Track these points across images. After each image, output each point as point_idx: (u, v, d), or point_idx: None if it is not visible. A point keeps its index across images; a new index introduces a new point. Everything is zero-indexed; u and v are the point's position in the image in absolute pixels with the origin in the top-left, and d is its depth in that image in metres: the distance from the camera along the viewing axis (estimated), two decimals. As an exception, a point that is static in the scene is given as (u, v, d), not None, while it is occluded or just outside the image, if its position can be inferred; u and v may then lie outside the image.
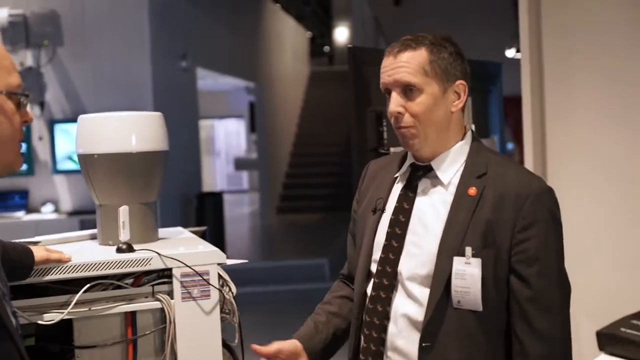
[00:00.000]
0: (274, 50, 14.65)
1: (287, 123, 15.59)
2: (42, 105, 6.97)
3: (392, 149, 2.57)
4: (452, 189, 1.70)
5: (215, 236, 8.77)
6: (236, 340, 2.00)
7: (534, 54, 3.35)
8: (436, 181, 1.73)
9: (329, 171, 14.76)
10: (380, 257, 1.74)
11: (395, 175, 1.81)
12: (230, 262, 1.99)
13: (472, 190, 1.66)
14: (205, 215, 8.66)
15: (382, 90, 1.74)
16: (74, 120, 7.63)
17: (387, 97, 1.73)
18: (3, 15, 6.70)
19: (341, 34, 20.13)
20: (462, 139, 1.74)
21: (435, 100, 1.68)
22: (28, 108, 1.33)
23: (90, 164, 2.05)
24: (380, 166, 1.91)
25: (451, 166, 1.72)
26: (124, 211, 1.95)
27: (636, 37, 3.28)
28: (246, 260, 1.93)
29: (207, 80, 11.87)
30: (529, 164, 3.37)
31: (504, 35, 15.29)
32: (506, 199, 1.63)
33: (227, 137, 20.03)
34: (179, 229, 2.34)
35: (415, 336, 1.67)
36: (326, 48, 21.59)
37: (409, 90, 1.68)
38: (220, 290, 1.94)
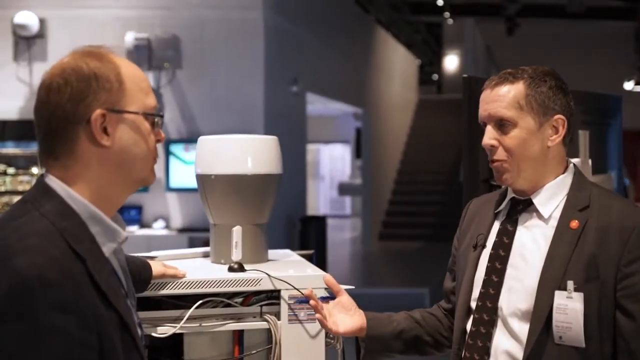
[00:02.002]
0: (383, 77, 14.71)
1: (392, 150, 15.57)
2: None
3: (504, 182, 2.52)
4: (554, 223, 1.67)
5: (318, 260, 8.83)
6: (339, 366, 2.01)
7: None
8: (537, 215, 1.70)
9: (433, 200, 14.60)
10: (480, 292, 1.72)
11: (496, 211, 1.79)
12: (337, 287, 2.00)
13: (574, 224, 1.63)
14: (309, 238, 8.74)
15: (479, 123, 1.74)
16: (188, 140, 7.87)
17: (484, 130, 1.72)
18: (129, 39, 7.08)
19: (451, 63, 19.98)
20: (563, 173, 1.71)
21: (530, 135, 1.66)
22: None
23: (208, 184, 2.12)
24: (481, 203, 1.89)
25: (552, 199, 1.69)
26: (237, 231, 2.01)
27: None
28: (353, 287, 1.94)
29: (316, 105, 12.04)
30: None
31: (620, 68, 14.76)
32: (610, 232, 1.60)
33: (332, 162, 20.21)
34: (287, 251, 2.38)
35: None
36: (434, 76, 21.47)
37: (502, 124, 1.67)
38: (326, 315, 1.95)
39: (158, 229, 7.52)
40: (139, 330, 1.33)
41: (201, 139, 2.17)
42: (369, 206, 13.57)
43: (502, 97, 1.67)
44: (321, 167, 20.08)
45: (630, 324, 1.57)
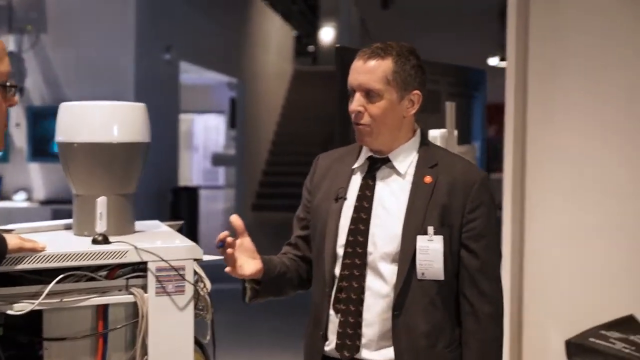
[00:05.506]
0: (259, 47, 14.61)
1: (267, 120, 15.56)
2: (21, 91, 6.88)
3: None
4: (409, 178, 1.95)
5: (189, 231, 8.72)
6: (207, 337, 1.99)
7: (519, 53, 3.41)
8: (394, 171, 1.97)
9: (306, 171, 14.73)
10: (348, 240, 1.94)
11: (353, 167, 2.01)
12: (206, 257, 1.97)
13: (428, 179, 1.93)
14: (180, 209, 8.61)
15: (348, 88, 1.95)
16: (52, 107, 7.51)
17: (351, 95, 1.94)
18: (-14, -2, 6.62)
19: (327, 34, 20.12)
20: (413, 137, 1.99)
21: (392, 106, 1.91)
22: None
23: (70, 153, 2.01)
24: (333, 159, 2.10)
25: (406, 158, 1.97)
26: (101, 202, 1.93)
27: (621, 40, 3.33)
28: (223, 257, 1.91)
29: (191, 74, 11.80)
30: (508, 165, 3.45)
31: (487, 44, 15.41)
32: (457, 186, 1.92)
33: (206, 132, 19.94)
34: (156, 222, 2.32)
35: (386, 307, 1.90)
36: (310, 47, 21.57)
37: (370, 94, 1.91)
38: (195, 286, 1.92)
39: (19, 201, 7.14)
40: None
41: (63, 104, 2.05)
42: (242, 177, 13.53)
43: (372, 70, 1.91)
44: (195, 137, 19.78)
45: (473, 259, 1.92)
